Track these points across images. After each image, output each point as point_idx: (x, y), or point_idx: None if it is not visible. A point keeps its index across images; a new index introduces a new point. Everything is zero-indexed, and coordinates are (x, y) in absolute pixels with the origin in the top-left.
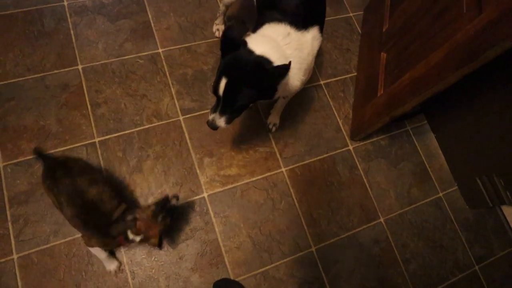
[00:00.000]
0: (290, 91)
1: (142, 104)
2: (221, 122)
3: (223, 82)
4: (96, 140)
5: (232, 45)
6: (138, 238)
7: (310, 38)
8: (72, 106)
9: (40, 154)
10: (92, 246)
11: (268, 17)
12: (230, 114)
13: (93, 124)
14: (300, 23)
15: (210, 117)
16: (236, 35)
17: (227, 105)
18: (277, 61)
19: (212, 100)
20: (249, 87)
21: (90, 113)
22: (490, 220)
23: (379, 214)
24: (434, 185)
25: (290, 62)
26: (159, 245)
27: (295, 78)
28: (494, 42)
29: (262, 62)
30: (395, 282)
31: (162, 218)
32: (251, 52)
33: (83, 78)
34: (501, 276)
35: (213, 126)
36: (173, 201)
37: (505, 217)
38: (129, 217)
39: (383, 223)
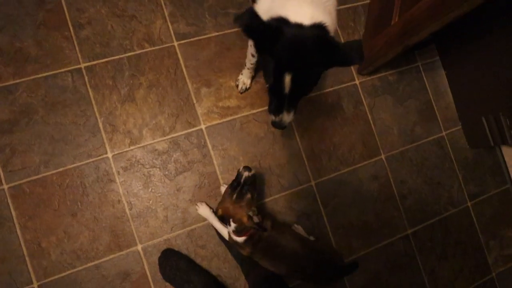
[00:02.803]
0: None
1: (132, 26)
2: (289, 117)
3: (287, 79)
4: (82, 65)
5: (267, 30)
6: (233, 228)
7: None
8: (52, 26)
9: None
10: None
11: None
12: (298, 103)
13: (77, 48)
14: None
15: (276, 118)
16: (256, 18)
17: (294, 98)
18: (327, 20)
19: (210, 24)
20: (318, 68)
21: (73, 35)
22: (488, 160)
23: (381, 151)
24: (438, 124)
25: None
26: (259, 226)
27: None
28: None
29: (321, 34)
30: (390, 216)
31: (243, 197)
32: (301, 27)
33: None
34: (490, 213)
35: (281, 126)
36: (245, 174)
37: (503, 157)
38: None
39: (384, 159)
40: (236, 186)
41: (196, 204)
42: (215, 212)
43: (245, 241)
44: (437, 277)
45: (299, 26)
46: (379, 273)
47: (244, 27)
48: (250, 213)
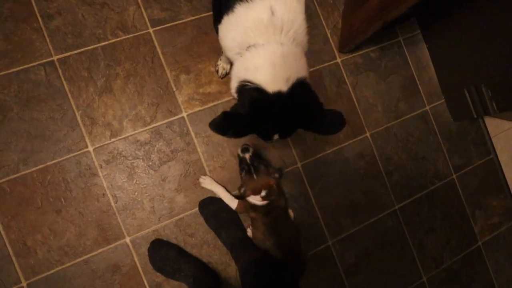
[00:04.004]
0: None
1: (103, 14)
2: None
3: (275, 137)
4: (55, 58)
5: (248, 119)
6: (263, 194)
7: None
8: (19, 18)
9: None
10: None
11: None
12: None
13: (48, 40)
14: None
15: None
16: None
17: (283, 137)
18: (302, 68)
19: (186, 8)
20: (305, 128)
21: (42, 26)
22: (472, 132)
23: (366, 129)
24: (422, 98)
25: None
26: (281, 191)
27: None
28: None
29: (303, 101)
30: (377, 193)
31: (259, 171)
32: (279, 96)
33: None
34: (475, 183)
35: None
36: (247, 156)
37: (486, 128)
38: (242, 191)
39: (369, 137)
40: (248, 168)
41: (200, 179)
42: (242, 194)
43: (265, 205)
44: (425, 250)
45: (278, 95)
46: (368, 249)
47: (230, 134)
48: (274, 178)
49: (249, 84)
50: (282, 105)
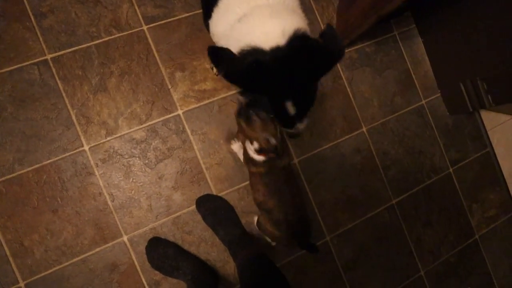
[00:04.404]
0: None
1: (97, 12)
2: (304, 124)
3: (289, 106)
4: (48, 57)
5: (249, 73)
6: (255, 146)
7: None
8: (11, 17)
9: None
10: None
11: None
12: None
13: (41, 39)
14: None
15: (293, 130)
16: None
17: (303, 111)
18: (296, 21)
19: (179, 5)
20: (314, 80)
21: (35, 25)
22: (468, 125)
23: (362, 124)
24: (418, 92)
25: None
26: (275, 149)
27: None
28: None
29: (303, 46)
30: (374, 188)
31: (251, 121)
32: (279, 50)
33: None
34: (472, 177)
35: (298, 134)
36: (243, 99)
37: (482, 122)
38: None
39: (365, 132)
40: (243, 113)
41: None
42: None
43: (263, 161)
44: (423, 244)
45: (276, 50)
46: (366, 244)
47: (227, 74)
48: (268, 137)
49: (245, 49)
50: (283, 59)
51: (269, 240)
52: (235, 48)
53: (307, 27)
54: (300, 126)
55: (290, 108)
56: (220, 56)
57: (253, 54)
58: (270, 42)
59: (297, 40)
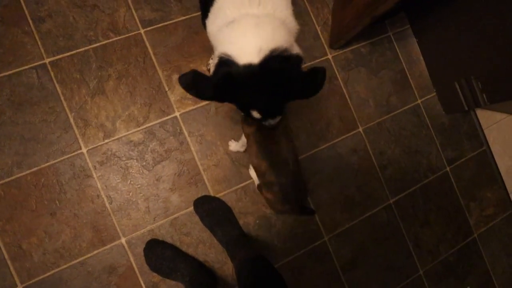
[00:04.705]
0: None
1: (94, 16)
2: (276, 120)
3: (255, 114)
4: (46, 61)
5: (217, 87)
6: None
7: None
8: (10, 22)
9: None
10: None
11: None
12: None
13: (39, 43)
14: None
15: (265, 123)
16: (202, 79)
17: (269, 116)
18: (280, 39)
19: (176, 8)
20: (281, 101)
21: (34, 29)
22: (464, 124)
23: (358, 124)
24: (413, 92)
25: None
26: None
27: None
28: None
29: (278, 69)
30: (371, 187)
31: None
32: (250, 68)
33: None
34: (469, 176)
35: (272, 127)
36: None
37: (478, 120)
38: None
39: (362, 132)
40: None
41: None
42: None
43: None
44: (421, 243)
45: (248, 67)
46: (364, 244)
47: (192, 92)
48: None
49: (223, 56)
50: (253, 77)
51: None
52: (218, 50)
53: (293, 41)
54: (272, 122)
55: (256, 115)
56: (189, 82)
57: (228, 65)
58: (245, 58)
59: (272, 60)
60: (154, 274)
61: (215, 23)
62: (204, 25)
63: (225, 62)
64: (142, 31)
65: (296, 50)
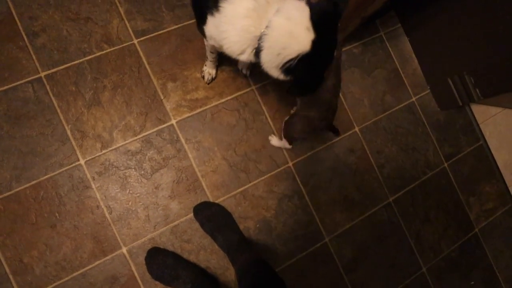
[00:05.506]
0: None
1: (88, 29)
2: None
3: None
4: (42, 74)
5: None
6: None
7: None
8: (5, 37)
9: None
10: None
11: None
12: None
13: (34, 57)
14: None
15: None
16: None
17: None
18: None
19: (168, 17)
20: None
21: (28, 44)
22: (460, 120)
23: (354, 124)
24: (407, 90)
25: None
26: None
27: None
28: None
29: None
30: (370, 187)
31: None
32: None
33: (10, 3)
34: (467, 171)
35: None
36: None
37: (473, 115)
38: None
39: (358, 132)
40: None
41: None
42: None
43: None
44: (422, 240)
45: (313, 45)
46: (366, 243)
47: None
48: None
49: (291, 60)
50: (321, 51)
51: (287, 145)
52: (274, 61)
53: None
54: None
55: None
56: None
57: (303, 60)
58: (306, 45)
59: (321, 25)
60: (157, 282)
61: (225, 33)
62: (201, 31)
63: (299, 61)
64: (135, 41)
65: None
